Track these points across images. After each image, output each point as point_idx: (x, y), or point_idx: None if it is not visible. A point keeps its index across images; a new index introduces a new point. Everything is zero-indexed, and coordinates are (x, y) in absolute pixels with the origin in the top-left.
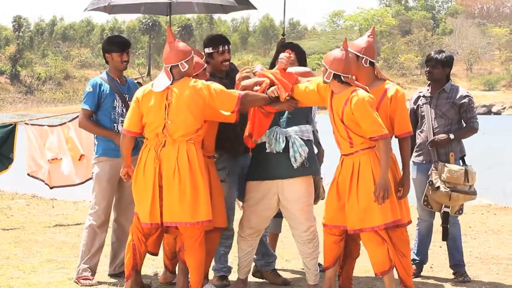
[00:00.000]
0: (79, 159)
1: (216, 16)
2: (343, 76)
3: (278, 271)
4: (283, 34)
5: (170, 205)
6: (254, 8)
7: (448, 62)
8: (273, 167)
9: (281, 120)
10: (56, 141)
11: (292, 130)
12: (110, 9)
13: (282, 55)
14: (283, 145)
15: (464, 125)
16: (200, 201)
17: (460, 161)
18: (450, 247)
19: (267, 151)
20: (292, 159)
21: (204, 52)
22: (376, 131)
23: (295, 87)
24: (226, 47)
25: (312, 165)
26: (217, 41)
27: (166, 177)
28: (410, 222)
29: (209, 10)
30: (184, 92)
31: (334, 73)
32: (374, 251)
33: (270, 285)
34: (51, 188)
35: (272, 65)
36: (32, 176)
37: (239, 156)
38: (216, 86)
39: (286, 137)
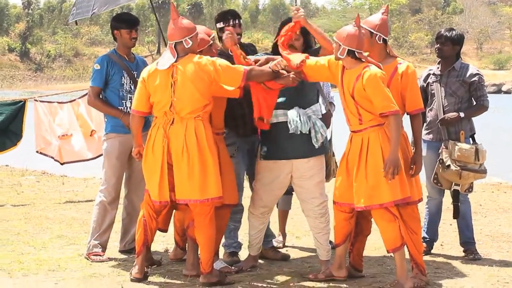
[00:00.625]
0: (90, 135)
1: None
2: (357, 52)
3: (277, 248)
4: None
5: (180, 183)
6: None
7: (458, 40)
8: (288, 147)
9: (298, 100)
10: (66, 117)
11: (310, 111)
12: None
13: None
14: (308, 127)
15: (474, 103)
16: (209, 178)
17: (470, 139)
18: (460, 225)
19: (290, 132)
20: (314, 139)
21: (216, 27)
22: (387, 107)
23: (305, 62)
24: (237, 21)
25: (325, 144)
26: (227, 15)
27: (175, 154)
28: (421, 199)
29: None
30: (189, 69)
31: (348, 49)
32: (385, 228)
33: (280, 261)
34: (62, 164)
35: (274, 46)
36: (41, 153)
37: (248, 135)
38: (221, 61)
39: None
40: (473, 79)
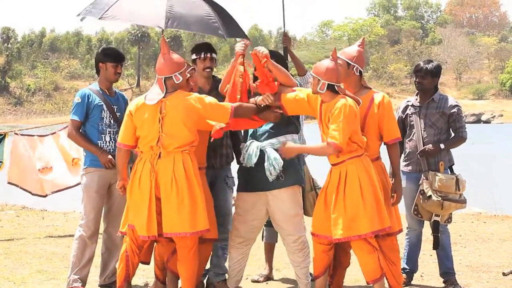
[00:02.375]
0: (73, 164)
1: None
2: (336, 86)
3: (257, 281)
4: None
5: (169, 216)
6: (246, 36)
7: (437, 72)
8: (258, 179)
9: (258, 133)
10: (47, 150)
11: (269, 143)
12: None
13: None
14: (255, 160)
15: (453, 134)
16: (199, 210)
17: (449, 170)
18: (440, 256)
19: (242, 165)
20: (267, 172)
21: (192, 60)
22: (333, 136)
23: (283, 95)
24: (208, 55)
25: (295, 176)
26: (200, 48)
27: (163, 188)
28: (401, 230)
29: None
30: (178, 106)
31: (328, 84)
32: (365, 259)
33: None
34: (45, 196)
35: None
36: (14, 184)
37: (208, 168)
38: (210, 98)
39: (262, 150)
40: (453, 110)
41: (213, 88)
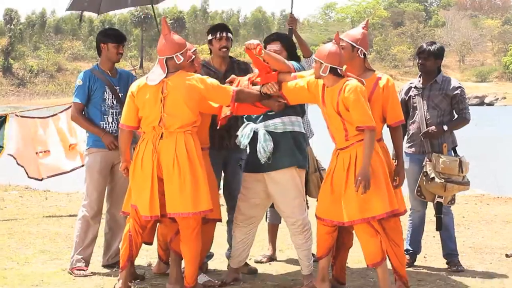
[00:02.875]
0: (69, 149)
1: (209, 9)
2: (339, 69)
3: (247, 262)
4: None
5: (171, 196)
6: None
7: (440, 54)
8: (256, 161)
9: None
10: (46, 133)
11: (263, 125)
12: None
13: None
14: (246, 141)
15: (456, 116)
16: (201, 190)
17: (452, 151)
18: (443, 237)
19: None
20: (258, 154)
21: (208, 41)
22: (364, 121)
23: (284, 85)
24: (224, 34)
25: (291, 158)
26: (216, 28)
27: (165, 168)
28: (405, 211)
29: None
30: (180, 86)
31: (330, 67)
32: (367, 242)
33: (264, 274)
34: (41, 180)
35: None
36: (18, 164)
37: (222, 149)
38: (211, 80)
39: (255, 132)
40: (456, 92)
41: (230, 69)
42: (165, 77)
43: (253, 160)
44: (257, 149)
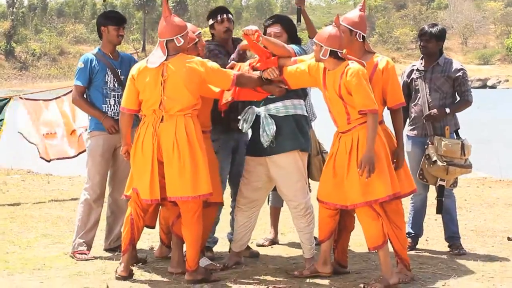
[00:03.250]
0: (71, 134)
1: None
2: (339, 52)
3: (248, 244)
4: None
5: (171, 180)
6: None
7: (441, 36)
8: (258, 144)
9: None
10: (51, 115)
11: (265, 109)
12: None
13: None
14: (247, 126)
15: (458, 98)
16: (200, 174)
17: (455, 134)
18: (445, 220)
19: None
20: (261, 138)
21: (209, 26)
22: (367, 105)
23: (285, 69)
24: (225, 16)
25: (294, 141)
26: (216, 11)
27: (165, 152)
28: (414, 190)
29: None
30: (180, 69)
31: (330, 50)
32: (368, 225)
33: (265, 258)
34: (49, 161)
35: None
36: (30, 142)
37: (233, 131)
38: (212, 63)
39: (257, 115)
40: (458, 74)
41: (235, 50)
42: (165, 59)
43: (255, 144)
44: (260, 133)
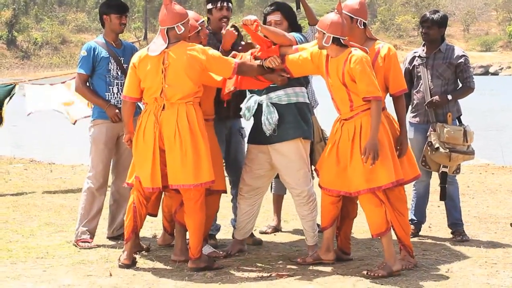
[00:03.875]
0: (88, 106)
1: None
2: (341, 39)
3: (252, 232)
4: None
5: (173, 168)
6: None
7: (443, 22)
8: (260, 132)
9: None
10: (62, 94)
11: (267, 97)
12: None
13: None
14: (249, 115)
15: (460, 85)
16: (203, 162)
17: (457, 121)
18: (448, 206)
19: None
20: (263, 127)
21: (207, 10)
22: (371, 92)
23: (287, 58)
24: (225, 4)
25: (296, 129)
26: None
27: (167, 140)
28: (418, 175)
29: None
30: (181, 56)
31: (333, 37)
32: (371, 212)
33: (268, 245)
34: (74, 123)
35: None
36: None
37: (228, 119)
38: (213, 51)
39: (259, 104)
40: (460, 60)
41: None
42: (166, 47)
43: (257, 132)
44: (262, 122)
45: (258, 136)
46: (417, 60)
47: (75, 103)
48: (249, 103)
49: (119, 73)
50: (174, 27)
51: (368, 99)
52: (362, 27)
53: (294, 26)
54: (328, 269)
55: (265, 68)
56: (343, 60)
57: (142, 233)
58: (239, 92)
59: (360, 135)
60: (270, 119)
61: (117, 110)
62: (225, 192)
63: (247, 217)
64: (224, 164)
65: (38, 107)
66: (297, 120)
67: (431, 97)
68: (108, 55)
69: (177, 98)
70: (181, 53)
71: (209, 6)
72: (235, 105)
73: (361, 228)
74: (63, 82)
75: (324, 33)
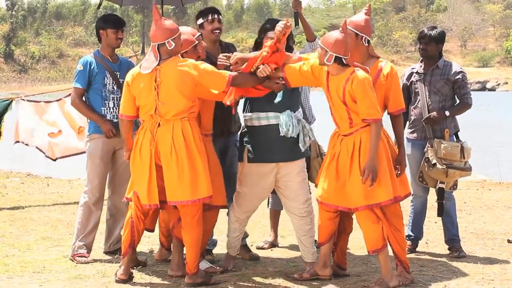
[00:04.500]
0: (78, 132)
1: None
2: (344, 59)
3: (249, 247)
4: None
5: (170, 184)
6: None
7: (441, 38)
8: (275, 150)
9: (289, 103)
10: (54, 116)
11: (299, 114)
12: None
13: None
14: (298, 130)
15: (458, 101)
16: (199, 177)
17: (454, 137)
18: (445, 222)
19: (281, 134)
20: (302, 143)
21: (197, 25)
22: (371, 114)
23: (287, 67)
24: (216, 16)
25: (303, 147)
26: (207, 10)
27: (164, 156)
28: (409, 194)
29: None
30: (172, 73)
31: (335, 56)
32: (368, 228)
33: (265, 260)
34: (54, 160)
35: (256, 45)
36: (23, 143)
37: (220, 135)
38: (205, 65)
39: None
40: (457, 77)
41: (223, 51)
42: (158, 64)
43: (265, 150)
44: (301, 139)
45: (264, 154)
46: (414, 76)
47: (63, 132)
48: (291, 119)
49: (115, 87)
50: (164, 43)
51: (367, 121)
52: (366, 44)
53: (288, 45)
54: (325, 284)
55: (259, 78)
56: (345, 79)
57: (139, 248)
58: (225, 110)
59: (359, 151)
60: (311, 135)
61: (111, 126)
62: (226, 207)
63: (238, 233)
64: None
65: (26, 138)
66: (303, 138)
67: (428, 113)
68: (104, 70)
69: (172, 115)
70: (172, 69)
71: (200, 20)
72: (221, 122)
73: (357, 244)
74: (59, 100)
75: (326, 51)
